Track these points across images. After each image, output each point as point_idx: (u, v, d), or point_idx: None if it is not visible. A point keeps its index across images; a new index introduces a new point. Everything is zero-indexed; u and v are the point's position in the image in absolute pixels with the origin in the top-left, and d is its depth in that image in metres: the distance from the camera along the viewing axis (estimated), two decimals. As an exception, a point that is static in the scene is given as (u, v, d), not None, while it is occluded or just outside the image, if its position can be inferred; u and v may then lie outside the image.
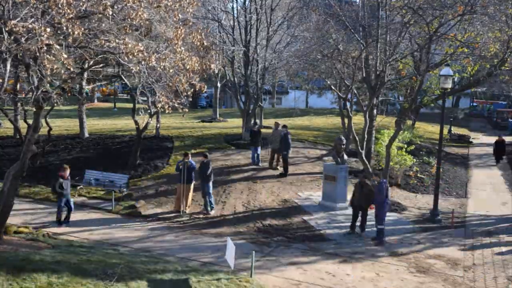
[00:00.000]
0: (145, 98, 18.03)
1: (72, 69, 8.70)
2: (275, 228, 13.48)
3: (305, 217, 14.29)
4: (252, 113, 23.26)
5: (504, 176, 21.18)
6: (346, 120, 21.13)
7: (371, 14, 17.75)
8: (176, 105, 10.38)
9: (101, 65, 12.78)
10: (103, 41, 8.50)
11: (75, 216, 14.09)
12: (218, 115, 33.87)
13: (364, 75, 17.49)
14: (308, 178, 17.96)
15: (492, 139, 26.03)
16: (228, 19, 23.82)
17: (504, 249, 12.46)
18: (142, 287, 8.77)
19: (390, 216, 14.84)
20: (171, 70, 9.99)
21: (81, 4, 7.81)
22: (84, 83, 22.72)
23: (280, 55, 24.40)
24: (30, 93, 9.05)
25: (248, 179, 17.18)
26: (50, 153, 19.90)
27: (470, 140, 29.69)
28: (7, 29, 7.37)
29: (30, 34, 7.72)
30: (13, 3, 8.24)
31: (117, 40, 8.44)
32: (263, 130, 26.46)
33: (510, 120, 36.66)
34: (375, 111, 19.57)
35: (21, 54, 8.20)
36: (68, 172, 13.45)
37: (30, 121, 10.50)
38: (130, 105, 23.95)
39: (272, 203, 15.34)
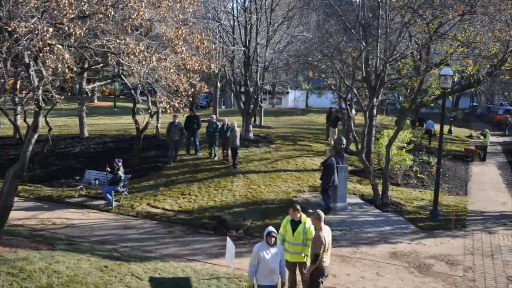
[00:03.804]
0: (145, 98, 18.06)
1: (74, 69, 8.71)
2: (275, 227, 13.44)
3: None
4: (252, 112, 23.29)
5: (502, 175, 21.27)
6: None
7: (372, 13, 17.76)
8: (177, 105, 10.39)
9: (101, 65, 12.78)
10: (104, 41, 8.51)
11: (75, 216, 14.12)
12: (218, 115, 33.88)
13: (364, 75, 17.51)
14: (307, 176, 17.96)
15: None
16: (228, 19, 23.85)
17: (504, 248, 12.48)
18: (142, 286, 8.78)
19: (390, 215, 14.87)
20: (171, 70, 10.00)
21: (82, 4, 7.82)
22: (84, 83, 22.74)
23: (280, 55, 24.43)
24: (31, 92, 9.04)
25: (245, 173, 17.23)
26: (50, 153, 19.89)
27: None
28: (9, 29, 7.38)
29: (30, 35, 7.72)
30: (13, 2, 8.24)
31: (118, 40, 8.45)
32: (263, 130, 26.59)
33: (510, 121, 36.69)
34: (375, 110, 19.58)
35: (21, 54, 8.20)
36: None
37: (30, 121, 10.50)
38: (130, 105, 23.97)
39: (273, 201, 15.33)
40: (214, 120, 19.42)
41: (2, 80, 8.47)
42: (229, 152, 18.80)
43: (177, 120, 18.73)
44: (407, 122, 25.56)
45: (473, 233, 13.65)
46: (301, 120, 35.25)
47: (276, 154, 20.51)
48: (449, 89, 15.61)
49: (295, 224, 8.96)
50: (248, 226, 13.29)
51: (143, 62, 9.05)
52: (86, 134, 22.91)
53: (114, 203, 14.87)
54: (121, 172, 15.33)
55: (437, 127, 26.35)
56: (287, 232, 8.97)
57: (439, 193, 15.18)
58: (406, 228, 13.88)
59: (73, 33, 7.68)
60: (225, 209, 14.49)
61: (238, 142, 18.21)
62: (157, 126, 22.41)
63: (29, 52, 8.24)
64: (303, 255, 8.92)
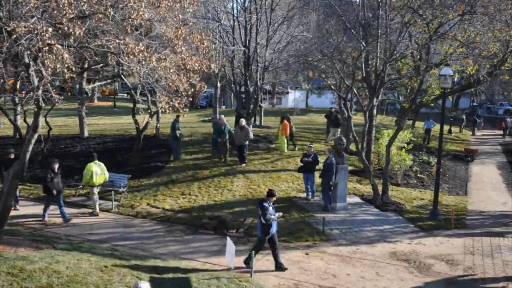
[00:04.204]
0: (145, 98, 18.06)
1: (73, 69, 8.72)
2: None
3: (306, 217, 14.28)
4: (252, 112, 23.30)
5: (502, 175, 21.28)
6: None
7: (372, 13, 17.76)
8: (177, 105, 10.40)
9: (101, 65, 12.79)
10: (103, 41, 8.51)
11: (76, 216, 14.12)
12: (218, 115, 33.87)
13: (364, 75, 17.51)
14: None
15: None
16: (228, 19, 23.87)
17: (504, 248, 12.48)
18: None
19: (390, 215, 14.88)
20: (171, 70, 10.00)
21: (81, 4, 7.82)
22: (84, 83, 22.77)
23: (280, 55, 24.45)
24: (31, 92, 9.05)
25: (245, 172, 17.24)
26: (50, 153, 19.88)
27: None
28: (9, 29, 7.39)
29: (30, 34, 7.73)
30: (13, 2, 8.25)
31: (117, 40, 8.46)
32: (263, 130, 26.59)
33: (509, 119, 36.69)
34: (375, 110, 19.58)
35: (21, 54, 8.20)
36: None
37: (30, 121, 10.50)
38: (130, 105, 24.03)
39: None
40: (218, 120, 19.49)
41: (2, 80, 8.47)
42: (227, 151, 18.85)
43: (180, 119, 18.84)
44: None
45: (473, 233, 13.65)
46: (301, 120, 35.23)
47: (276, 154, 20.51)
48: (449, 89, 15.60)
49: None
50: (248, 226, 13.29)
51: (143, 62, 9.05)
52: (86, 134, 22.92)
53: (114, 203, 14.87)
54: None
55: (436, 127, 26.38)
56: None
57: (439, 193, 15.19)
58: (406, 228, 13.88)
59: (73, 33, 7.69)
60: (225, 209, 14.49)
61: (247, 140, 18.57)
62: (157, 126, 22.42)
63: (28, 52, 8.25)
64: None
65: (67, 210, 14.56)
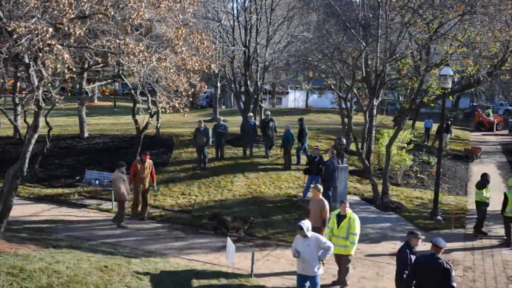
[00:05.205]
0: (145, 98, 18.07)
1: (74, 69, 8.74)
2: (275, 227, 13.48)
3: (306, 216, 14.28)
4: (252, 113, 23.30)
5: (502, 175, 21.27)
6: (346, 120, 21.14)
7: (372, 13, 17.77)
8: (177, 105, 10.41)
9: (101, 65, 12.80)
10: (104, 41, 8.53)
11: (75, 215, 14.13)
12: (218, 115, 33.91)
13: (364, 75, 17.52)
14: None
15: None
16: (228, 19, 23.89)
17: (504, 248, 12.48)
18: (142, 286, 8.79)
19: (390, 215, 14.88)
20: (171, 70, 10.02)
21: (82, 4, 7.83)
22: (84, 83, 22.78)
23: (280, 55, 24.46)
24: (31, 92, 9.06)
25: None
26: (50, 153, 19.89)
27: None
28: (9, 29, 7.40)
29: (30, 35, 7.73)
30: (13, 2, 8.26)
31: (117, 40, 8.47)
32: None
33: (511, 120, 36.68)
34: (375, 110, 19.58)
35: (21, 54, 8.21)
36: None
37: (30, 121, 10.50)
38: (130, 105, 24.05)
39: (273, 201, 15.33)
40: (222, 122, 19.47)
41: (2, 80, 8.48)
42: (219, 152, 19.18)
43: (202, 125, 18.32)
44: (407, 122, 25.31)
45: (473, 233, 13.65)
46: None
47: (276, 153, 20.51)
48: (449, 89, 15.61)
49: (341, 218, 9.46)
50: (248, 226, 13.30)
51: (143, 62, 9.07)
52: (86, 134, 22.92)
53: (114, 203, 14.87)
54: None
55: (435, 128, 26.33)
56: (334, 225, 9.53)
57: (439, 193, 15.19)
58: (406, 228, 13.86)
59: (73, 33, 7.70)
60: (225, 209, 14.49)
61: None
62: (157, 126, 22.43)
63: (29, 52, 8.26)
64: (344, 247, 9.49)
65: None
